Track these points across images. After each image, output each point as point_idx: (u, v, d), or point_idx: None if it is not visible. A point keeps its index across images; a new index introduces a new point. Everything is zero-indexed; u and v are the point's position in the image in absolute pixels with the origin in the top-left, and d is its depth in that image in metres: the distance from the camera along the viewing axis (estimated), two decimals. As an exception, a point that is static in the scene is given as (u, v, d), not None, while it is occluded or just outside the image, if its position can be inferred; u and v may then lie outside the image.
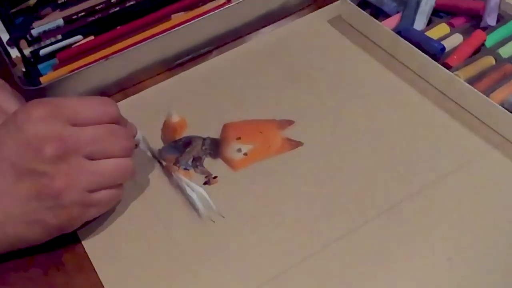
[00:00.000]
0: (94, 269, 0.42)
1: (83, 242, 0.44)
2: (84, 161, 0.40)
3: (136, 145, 0.46)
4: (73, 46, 0.55)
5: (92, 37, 0.56)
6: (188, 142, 0.50)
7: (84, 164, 0.39)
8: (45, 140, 0.38)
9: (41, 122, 0.38)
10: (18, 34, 0.56)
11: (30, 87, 0.51)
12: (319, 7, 0.61)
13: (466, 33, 0.53)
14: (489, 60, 0.51)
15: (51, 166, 0.38)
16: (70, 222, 0.41)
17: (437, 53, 0.51)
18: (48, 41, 0.56)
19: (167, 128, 0.52)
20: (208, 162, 0.48)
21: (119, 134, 0.42)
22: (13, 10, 0.59)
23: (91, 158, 0.40)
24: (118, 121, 0.42)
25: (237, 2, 0.57)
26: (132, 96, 0.55)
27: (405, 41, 0.52)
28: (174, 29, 0.54)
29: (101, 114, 0.41)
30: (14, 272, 0.43)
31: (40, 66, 0.54)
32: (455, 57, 0.51)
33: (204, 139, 0.50)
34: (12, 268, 0.43)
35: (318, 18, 0.60)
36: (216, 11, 0.56)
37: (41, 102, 0.40)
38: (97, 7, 0.57)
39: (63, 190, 0.38)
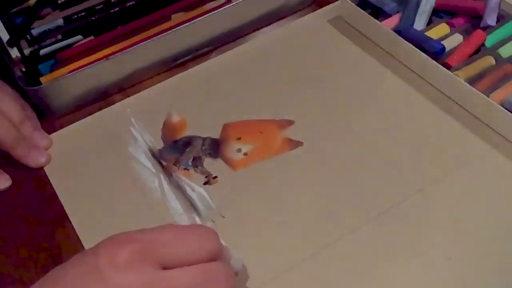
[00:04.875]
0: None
1: (84, 244, 0.44)
2: None
3: (236, 273, 0.38)
4: (73, 46, 0.55)
5: (92, 37, 0.56)
6: (188, 142, 0.50)
7: None
8: None
9: (128, 270, 0.31)
10: (18, 34, 0.56)
11: (30, 87, 0.51)
12: (319, 7, 0.61)
13: (466, 33, 0.53)
14: (489, 60, 0.51)
15: None
16: None
17: (437, 53, 0.51)
18: (48, 41, 0.56)
19: (167, 128, 0.52)
20: (208, 162, 0.48)
21: (218, 276, 0.34)
22: (13, 10, 0.59)
23: None
24: (219, 255, 0.35)
25: (237, 2, 0.57)
26: (132, 96, 0.55)
27: (405, 41, 0.52)
28: (174, 29, 0.54)
29: (200, 251, 0.34)
30: (14, 273, 0.43)
31: (40, 66, 0.54)
32: (455, 57, 0.51)
33: (204, 139, 0.50)
34: (12, 270, 0.43)
35: (318, 18, 0.60)
36: (216, 11, 0.56)
37: (128, 240, 0.32)
38: (97, 7, 0.57)
39: None
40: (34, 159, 0.49)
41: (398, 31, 0.53)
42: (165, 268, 0.32)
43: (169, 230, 0.34)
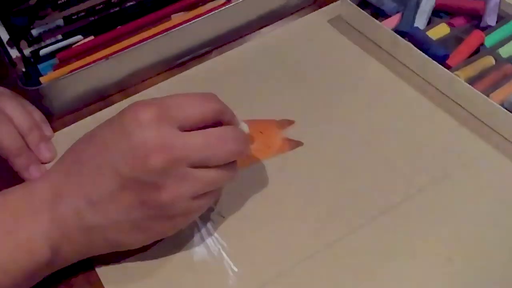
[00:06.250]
0: (94, 269, 0.42)
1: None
2: (190, 170, 0.37)
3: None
4: (73, 46, 0.55)
5: (92, 37, 0.56)
6: (188, 142, 0.50)
7: (190, 173, 0.37)
8: (153, 149, 0.35)
9: (149, 127, 0.36)
10: (18, 34, 0.56)
11: (30, 87, 0.51)
12: (319, 7, 0.61)
13: (466, 33, 0.53)
14: (489, 60, 0.51)
15: (157, 177, 0.36)
16: (174, 229, 0.40)
17: (439, 60, 0.51)
18: (48, 41, 0.56)
19: (167, 128, 0.51)
20: (208, 162, 0.48)
21: (227, 138, 0.39)
22: (13, 10, 0.59)
23: (197, 166, 0.37)
24: (224, 115, 0.40)
25: (237, 2, 0.57)
26: (132, 96, 0.55)
27: (405, 41, 0.52)
28: (174, 29, 0.54)
29: (208, 112, 0.38)
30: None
31: (40, 66, 0.54)
32: (455, 57, 0.51)
33: (204, 139, 0.50)
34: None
35: (318, 18, 0.60)
36: (216, 11, 0.56)
37: (149, 104, 0.37)
38: (97, 7, 0.57)
39: (169, 202, 0.37)
40: (31, 174, 0.48)
41: (404, 32, 0.53)
42: (180, 130, 0.37)
43: (178, 96, 0.39)
